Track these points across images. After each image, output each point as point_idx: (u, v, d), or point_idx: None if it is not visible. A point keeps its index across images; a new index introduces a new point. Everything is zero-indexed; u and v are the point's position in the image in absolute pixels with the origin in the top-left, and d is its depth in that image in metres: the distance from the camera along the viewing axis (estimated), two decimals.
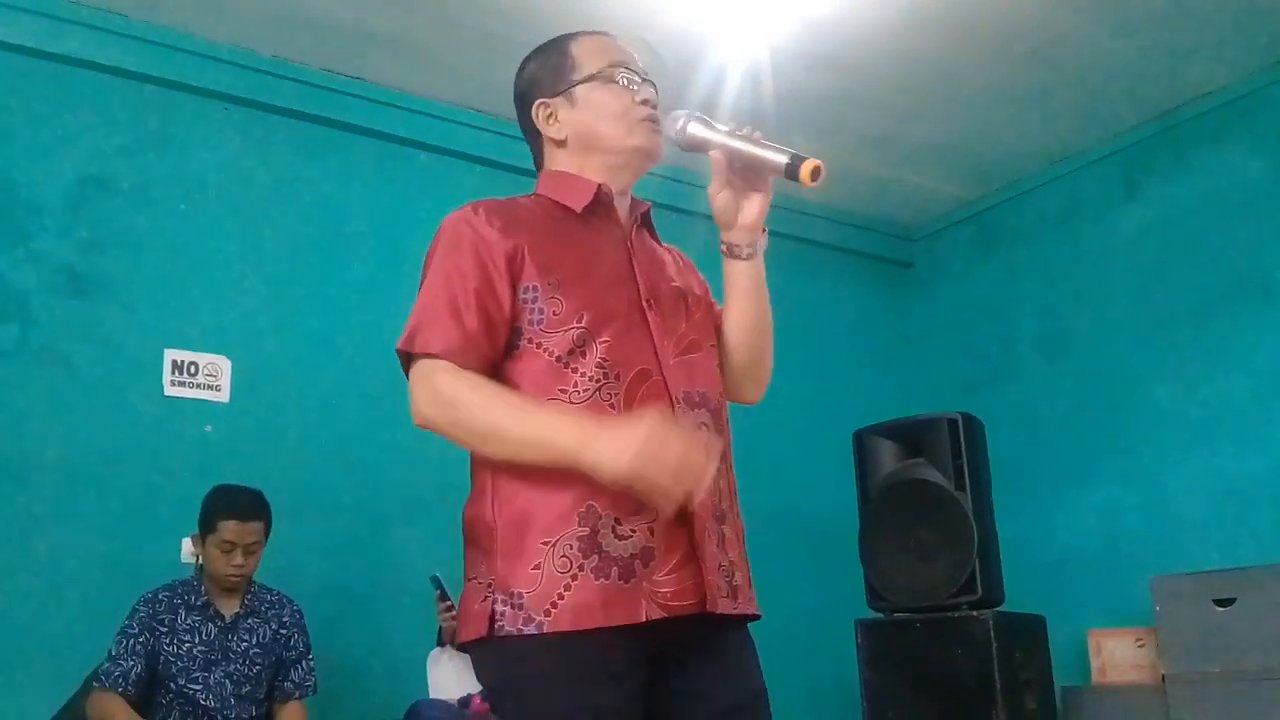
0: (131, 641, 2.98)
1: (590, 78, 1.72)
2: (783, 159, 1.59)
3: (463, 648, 1.59)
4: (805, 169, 1.57)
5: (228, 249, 3.74)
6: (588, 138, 1.73)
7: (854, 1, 3.63)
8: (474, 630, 1.52)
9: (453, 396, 1.54)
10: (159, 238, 3.64)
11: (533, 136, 1.80)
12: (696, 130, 1.70)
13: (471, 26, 3.70)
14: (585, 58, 1.74)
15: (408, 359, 1.59)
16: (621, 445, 1.43)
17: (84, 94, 3.60)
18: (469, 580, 1.58)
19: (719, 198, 1.70)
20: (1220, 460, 4.02)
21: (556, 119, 1.75)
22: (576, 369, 1.56)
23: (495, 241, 1.60)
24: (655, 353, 1.61)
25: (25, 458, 3.29)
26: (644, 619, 1.48)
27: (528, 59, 1.81)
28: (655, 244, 1.82)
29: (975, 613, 3.49)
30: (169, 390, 3.54)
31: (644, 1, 3.58)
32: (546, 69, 1.77)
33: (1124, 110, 4.38)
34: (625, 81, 1.72)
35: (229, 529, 3.05)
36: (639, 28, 3.65)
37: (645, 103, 1.72)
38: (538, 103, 1.76)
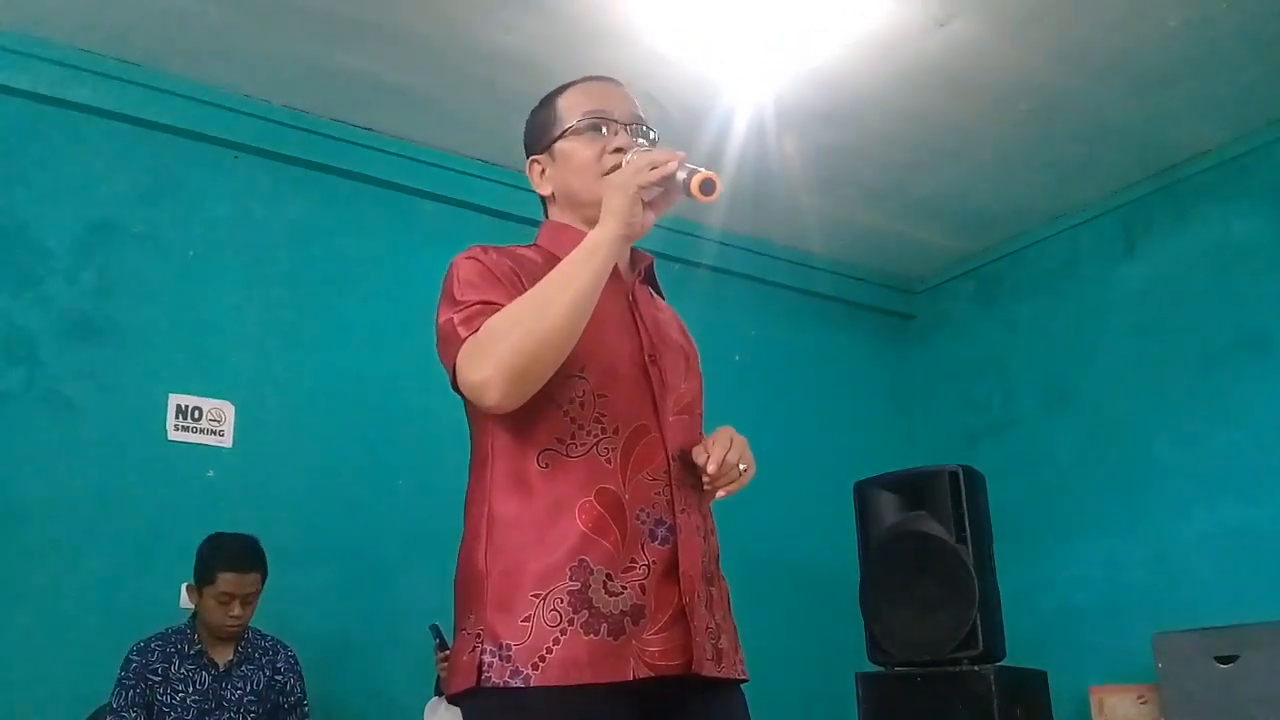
0: (130, 692, 2.97)
1: (565, 131, 1.73)
2: (683, 175, 1.53)
3: (453, 700, 1.57)
4: (694, 182, 1.51)
5: (234, 296, 3.77)
6: (565, 192, 1.74)
7: (857, 56, 3.68)
8: (463, 681, 1.50)
9: (486, 333, 1.50)
10: (167, 283, 3.67)
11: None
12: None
13: (479, 79, 3.75)
14: (567, 110, 1.74)
15: (453, 375, 1.55)
16: (609, 196, 1.55)
17: (96, 141, 3.65)
18: (459, 630, 1.56)
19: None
20: (1222, 515, 4.01)
21: (544, 175, 1.77)
22: (575, 419, 1.55)
23: (503, 279, 1.61)
24: (655, 409, 1.61)
25: (28, 500, 3.30)
26: (631, 677, 1.47)
27: (529, 115, 1.83)
28: (657, 299, 1.82)
29: (977, 667, 3.46)
30: (172, 435, 3.55)
31: (649, 54, 3.62)
32: (536, 126, 1.79)
33: (1123, 167, 4.42)
34: (597, 129, 1.71)
35: (227, 581, 3.03)
36: (644, 81, 3.70)
37: (618, 150, 1.67)
38: (530, 161, 1.79)
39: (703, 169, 1.53)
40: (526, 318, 1.49)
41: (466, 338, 1.52)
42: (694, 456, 1.59)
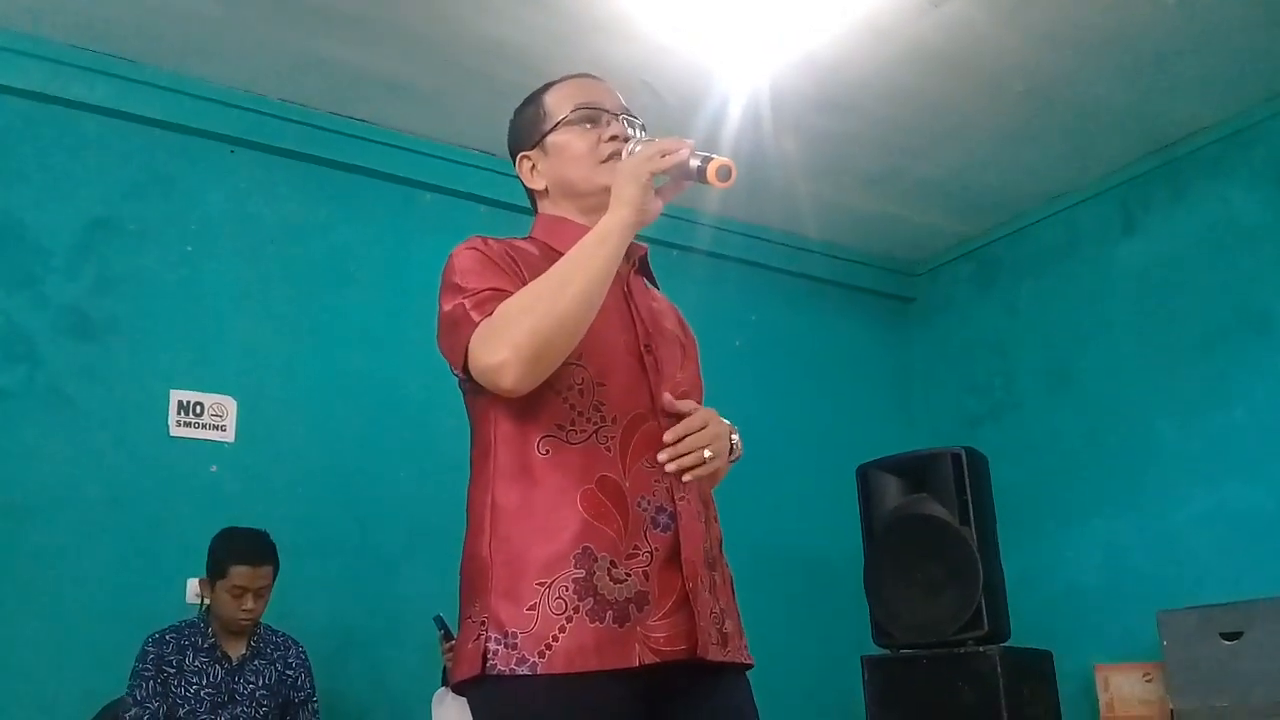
0: (150, 683, 2.97)
1: (557, 124, 1.74)
2: (696, 162, 1.54)
3: (457, 689, 1.57)
4: (711, 169, 1.53)
5: (233, 290, 3.77)
6: (561, 184, 1.75)
7: (852, 40, 3.67)
8: (468, 669, 1.51)
9: (500, 316, 1.51)
10: (165, 279, 3.67)
11: (525, 188, 1.83)
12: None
13: (475, 70, 3.75)
14: (556, 105, 1.76)
15: (463, 359, 1.55)
16: (621, 182, 1.56)
17: (92, 138, 3.64)
18: (464, 619, 1.57)
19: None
20: (1224, 493, 4.01)
21: (536, 170, 1.78)
22: (574, 406, 1.56)
23: (504, 268, 1.62)
24: (652, 398, 1.62)
25: (30, 498, 3.30)
26: (637, 663, 1.47)
27: (513, 114, 1.84)
28: (652, 289, 1.83)
29: (982, 648, 3.47)
30: (174, 430, 3.55)
31: (646, 43, 3.62)
32: (524, 122, 1.80)
33: (1121, 146, 4.41)
34: (590, 121, 1.72)
35: (240, 574, 3.04)
36: (641, 70, 3.70)
37: (614, 139, 1.71)
38: (520, 157, 1.80)
39: (714, 155, 1.54)
40: (541, 302, 1.50)
41: (480, 322, 1.53)
42: (665, 436, 1.59)
